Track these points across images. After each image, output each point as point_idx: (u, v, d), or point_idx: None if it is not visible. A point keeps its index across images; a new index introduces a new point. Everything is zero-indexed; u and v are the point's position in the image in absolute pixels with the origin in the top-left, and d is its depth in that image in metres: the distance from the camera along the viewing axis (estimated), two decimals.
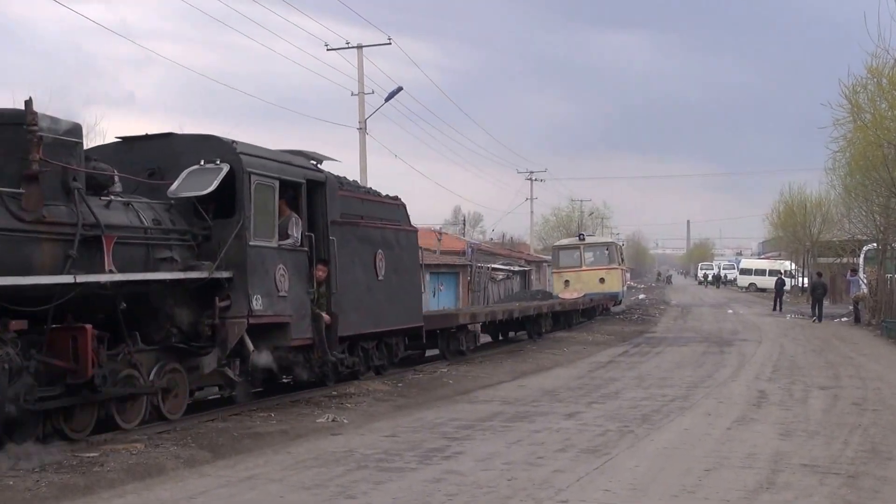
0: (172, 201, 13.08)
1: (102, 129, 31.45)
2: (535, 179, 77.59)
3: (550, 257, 53.46)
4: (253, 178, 13.49)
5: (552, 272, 47.45)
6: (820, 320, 38.14)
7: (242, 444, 11.50)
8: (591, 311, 40.16)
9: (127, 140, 14.40)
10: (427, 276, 44.10)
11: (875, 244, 40.46)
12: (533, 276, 64.49)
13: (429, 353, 22.39)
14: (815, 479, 9.37)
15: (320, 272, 15.18)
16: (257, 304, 13.32)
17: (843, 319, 38.18)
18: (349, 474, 9.82)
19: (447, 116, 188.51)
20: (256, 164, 13.76)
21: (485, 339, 27.52)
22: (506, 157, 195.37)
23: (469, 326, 23.33)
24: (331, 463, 10.45)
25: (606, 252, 44.07)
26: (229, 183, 13.24)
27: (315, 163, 16.19)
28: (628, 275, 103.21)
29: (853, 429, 12.42)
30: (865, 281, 38.29)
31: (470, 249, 55.20)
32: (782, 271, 63.45)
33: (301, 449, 11.38)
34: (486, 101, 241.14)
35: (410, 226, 19.77)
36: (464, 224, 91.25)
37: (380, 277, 17.27)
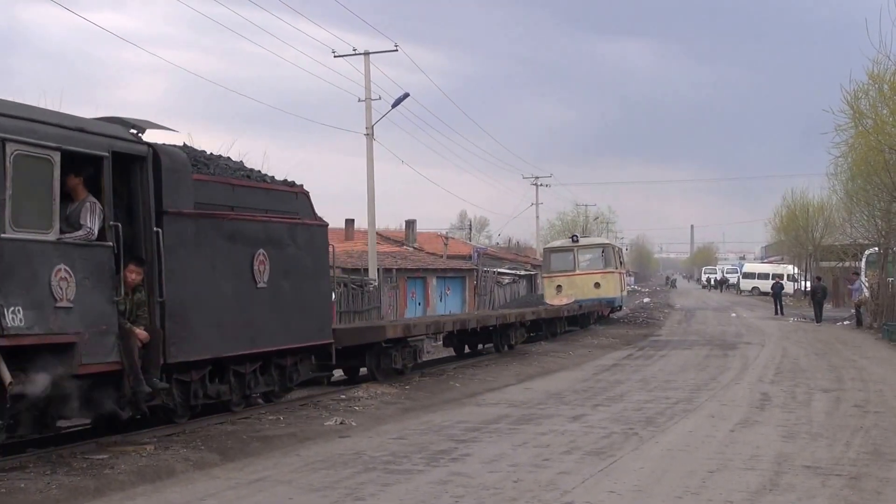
0: None
1: None
2: (541, 184, 77.64)
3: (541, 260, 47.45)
4: (9, 145, 9.92)
5: (543, 276, 42.23)
6: (819, 321, 38.32)
7: (251, 447, 11.48)
8: (585, 319, 36.53)
9: None
10: (434, 281, 44.15)
11: (876, 248, 40.45)
12: (539, 280, 64.48)
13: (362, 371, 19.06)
14: (817, 480, 9.34)
15: (133, 274, 11.22)
16: (14, 319, 9.78)
17: (845, 323, 38.14)
18: (357, 476, 9.79)
19: (453, 122, 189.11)
20: (17, 127, 10.10)
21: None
22: (511, 163, 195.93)
23: (409, 341, 19.62)
24: (339, 465, 10.43)
25: (602, 254, 39.60)
26: None
27: (136, 132, 12.02)
28: (632, 279, 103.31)
29: (855, 431, 12.37)
30: (867, 285, 38.24)
31: (476, 254, 55.28)
32: (784, 275, 63.43)
33: (309, 451, 11.35)
34: (492, 108, 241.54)
35: (316, 219, 15.66)
36: (470, 229, 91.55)
37: (260, 284, 13.59)
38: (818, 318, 39.17)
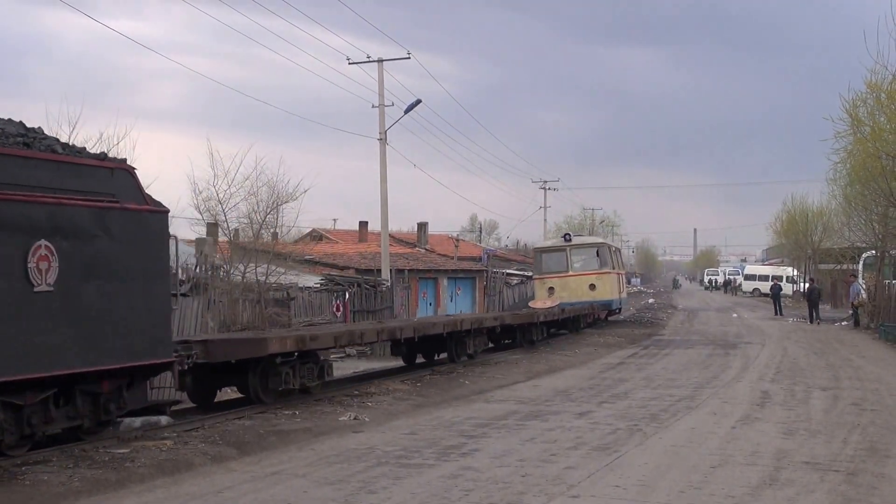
0: None
1: (132, 138, 30.43)
2: (549, 189, 77.48)
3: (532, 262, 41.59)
4: None
5: (534, 278, 37.84)
6: (812, 321, 38.35)
7: (268, 441, 11.47)
8: (574, 323, 32.36)
9: None
10: (445, 281, 44.09)
11: (874, 251, 40.32)
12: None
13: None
14: (816, 475, 9.29)
15: None
16: None
17: (842, 323, 37.99)
18: (370, 470, 9.77)
19: (464, 128, 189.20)
20: None
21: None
22: (520, 168, 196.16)
23: (319, 354, 15.60)
24: (352, 459, 10.40)
25: (597, 254, 35.62)
26: None
27: None
28: (638, 280, 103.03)
29: (852, 428, 12.31)
30: (864, 287, 38.16)
31: (486, 256, 55.28)
32: (784, 277, 63.27)
33: (324, 446, 11.34)
34: (502, 114, 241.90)
35: (147, 203, 11.42)
36: (480, 231, 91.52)
37: (40, 287, 9.72)
38: (814, 318, 39.06)
